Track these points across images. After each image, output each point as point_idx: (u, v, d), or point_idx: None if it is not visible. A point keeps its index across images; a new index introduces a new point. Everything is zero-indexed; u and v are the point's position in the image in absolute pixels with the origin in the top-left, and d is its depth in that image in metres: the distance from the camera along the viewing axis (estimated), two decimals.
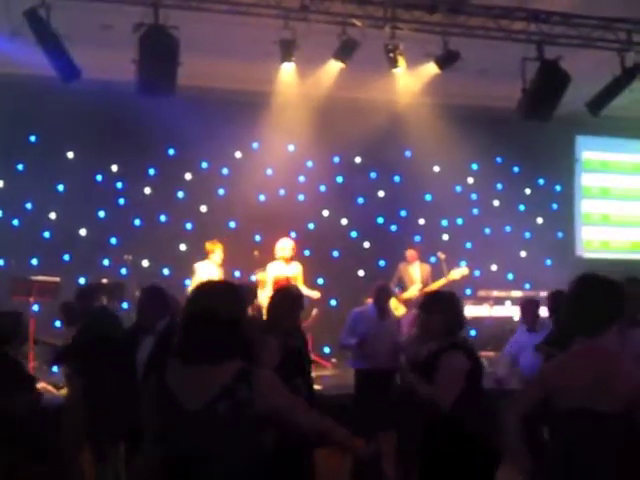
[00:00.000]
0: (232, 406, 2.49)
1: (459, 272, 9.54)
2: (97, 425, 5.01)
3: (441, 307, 3.98)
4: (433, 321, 3.96)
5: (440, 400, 3.74)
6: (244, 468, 2.52)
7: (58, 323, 9.03)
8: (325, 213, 11.16)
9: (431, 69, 8.48)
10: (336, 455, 3.47)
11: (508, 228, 11.87)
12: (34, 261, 9.82)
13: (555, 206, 12.26)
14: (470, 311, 10.11)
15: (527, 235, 11.98)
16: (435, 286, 9.12)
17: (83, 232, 10.23)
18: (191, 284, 8.16)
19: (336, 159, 11.26)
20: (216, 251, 8.79)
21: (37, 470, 4.29)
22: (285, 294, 4.63)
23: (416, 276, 9.49)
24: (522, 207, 12.04)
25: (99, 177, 10.41)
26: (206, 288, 2.75)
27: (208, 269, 8.61)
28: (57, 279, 8.70)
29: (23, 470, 4.23)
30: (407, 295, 9.21)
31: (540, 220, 12.07)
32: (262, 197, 10.93)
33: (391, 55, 8.08)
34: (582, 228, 12.36)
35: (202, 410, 2.50)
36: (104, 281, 8.23)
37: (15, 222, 10.03)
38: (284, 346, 4.32)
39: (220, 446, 2.50)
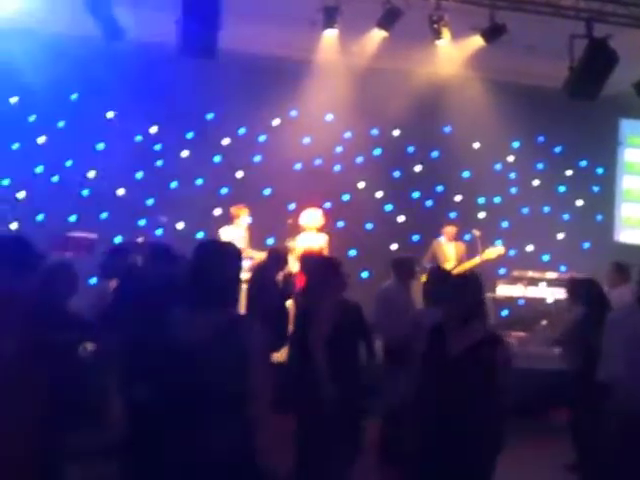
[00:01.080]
0: (225, 343, 2.84)
1: (494, 251, 9.42)
2: None
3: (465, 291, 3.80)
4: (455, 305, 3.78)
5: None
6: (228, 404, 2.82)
7: (94, 279, 9.23)
8: (361, 185, 11.10)
9: (476, 42, 8.33)
10: None
11: (547, 209, 11.68)
12: (72, 218, 9.99)
13: (596, 189, 12.01)
14: (503, 291, 10.04)
15: (566, 217, 11.77)
16: (469, 265, 9.04)
17: (121, 192, 10.35)
18: None
19: (374, 131, 11.17)
20: (241, 216, 8.80)
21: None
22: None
23: (450, 254, 9.40)
24: (562, 188, 11.83)
25: (138, 138, 10.50)
26: (208, 247, 3.14)
27: (232, 234, 8.65)
28: (94, 236, 8.84)
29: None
30: None
31: (580, 202, 11.85)
32: (298, 166, 10.91)
33: (435, 26, 7.95)
34: (622, 205, 12.10)
35: (196, 345, 2.85)
36: (139, 240, 8.32)
37: (55, 179, 10.19)
38: (344, 303, 4.53)
39: (207, 377, 2.82)
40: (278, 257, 6.88)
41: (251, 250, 8.67)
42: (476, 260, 9.21)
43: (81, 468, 4.76)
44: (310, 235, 8.57)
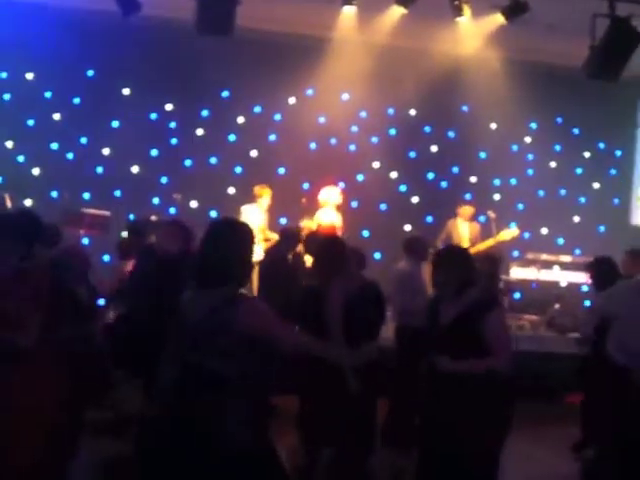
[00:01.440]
0: (217, 322, 2.88)
1: (509, 233, 9.37)
2: None
3: (453, 262, 3.94)
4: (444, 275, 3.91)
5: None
6: (224, 379, 2.86)
7: (107, 257, 9.27)
8: (375, 165, 11.03)
9: (496, 20, 8.21)
10: None
11: (563, 191, 11.57)
12: (86, 195, 10.00)
13: (614, 172, 11.87)
14: (516, 273, 9.98)
15: (582, 200, 11.65)
16: (483, 246, 8.99)
17: (135, 169, 10.34)
18: None
19: (390, 110, 11.06)
20: (264, 196, 8.80)
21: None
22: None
23: (465, 234, 9.35)
24: (579, 170, 11.70)
25: (153, 115, 10.46)
26: (215, 226, 3.15)
27: (253, 213, 8.63)
28: (108, 213, 8.86)
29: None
30: None
31: (597, 185, 11.72)
32: (313, 145, 10.84)
33: (456, 3, 7.83)
34: (639, 189, 11.95)
35: (195, 324, 2.92)
36: (153, 218, 8.33)
37: (70, 156, 10.18)
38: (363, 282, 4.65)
39: (204, 357, 2.88)
40: (290, 237, 6.86)
41: (269, 232, 8.67)
42: (490, 241, 9.16)
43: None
44: (328, 212, 8.55)
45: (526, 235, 10.76)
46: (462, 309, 3.80)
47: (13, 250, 3.60)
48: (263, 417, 3.00)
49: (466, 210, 9.49)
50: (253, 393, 2.91)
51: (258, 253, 8.24)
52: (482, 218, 9.98)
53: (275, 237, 8.19)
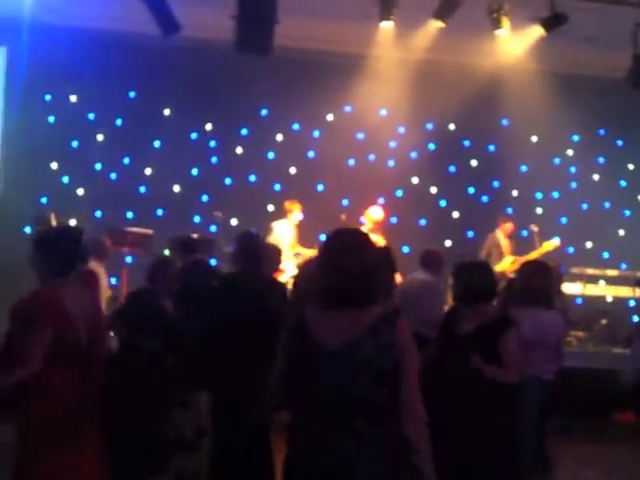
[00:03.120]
0: (376, 345, 2.58)
1: (551, 244, 9.31)
2: None
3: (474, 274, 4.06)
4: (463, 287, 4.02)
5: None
6: (378, 407, 2.58)
7: None
8: (415, 180, 10.97)
9: (536, 32, 8.11)
10: None
11: (607, 204, 11.34)
12: (129, 214, 10.14)
13: None
14: (562, 288, 9.78)
15: (627, 212, 11.41)
16: (528, 259, 8.86)
17: (177, 189, 10.47)
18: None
19: (429, 125, 11.02)
20: (294, 211, 8.84)
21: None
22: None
23: (507, 248, 9.28)
24: (623, 183, 11.46)
25: (194, 135, 10.59)
26: (349, 238, 2.80)
27: (284, 228, 8.66)
28: (150, 231, 8.96)
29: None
30: (500, 267, 8.97)
31: None
32: (352, 161, 10.85)
33: (495, 15, 7.78)
34: None
35: (343, 349, 2.59)
36: (194, 236, 8.39)
37: (113, 176, 10.35)
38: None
39: (357, 384, 2.56)
40: None
41: (299, 246, 8.67)
42: (534, 254, 9.05)
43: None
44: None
45: (570, 249, 10.57)
46: (479, 324, 3.88)
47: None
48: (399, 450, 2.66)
49: (508, 226, 9.47)
50: (392, 422, 2.63)
51: (290, 269, 8.27)
52: (525, 232, 9.83)
53: (306, 252, 8.19)
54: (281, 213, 9.37)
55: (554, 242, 9.39)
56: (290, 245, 8.57)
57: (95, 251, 6.37)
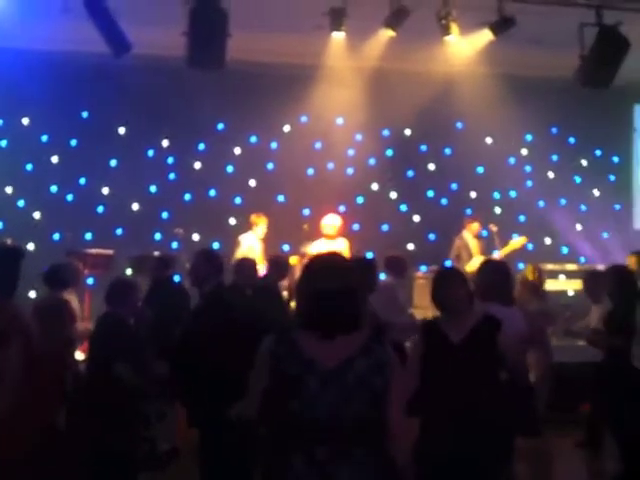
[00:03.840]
0: (367, 365, 2.58)
1: (519, 241, 9.58)
2: None
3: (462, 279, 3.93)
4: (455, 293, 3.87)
5: None
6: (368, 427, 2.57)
7: None
8: (374, 187, 11.04)
9: (485, 37, 8.24)
10: None
11: (563, 201, 11.57)
12: (88, 235, 10.00)
13: (612, 177, 11.88)
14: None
15: (583, 208, 11.65)
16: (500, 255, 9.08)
17: (135, 207, 10.36)
18: (235, 256, 8.17)
19: (386, 132, 11.11)
20: (260, 224, 8.82)
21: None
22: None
23: (476, 249, 9.40)
24: (578, 179, 11.71)
25: (150, 152, 10.51)
26: (331, 263, 2.72)
27: (251, 241, 8.64)
28: (110, 252, 8.85)
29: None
30: (470, 268, 9.06)
31: (597, 192, 11.72)
32: (311, 171, 10.88)
33: (443, 22, 7.88)
34: None
35: (338, 368, 2.58)
36: (155, 254, 8.31)
37: (69, 197, 10.21)
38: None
39: (350, 406, 2.55)
40: (278, 265, 6.82)
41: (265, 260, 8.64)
42: (502, 252, 9.20)
43: None
44: (325, 242, 8.53)
45: (530, 246, 10.73)
46: (474, 325, 3.78)
47: None
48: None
49: (475, 226, 9.58)
50: (381, 442, 2.63)
51: None
52: (484, 232, 9.96)
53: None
54: (243, 226, 9.33)
55: (520, 239, 9.61)
56: (258, 259, 8.54)
57: (72, 280, 6.18)
